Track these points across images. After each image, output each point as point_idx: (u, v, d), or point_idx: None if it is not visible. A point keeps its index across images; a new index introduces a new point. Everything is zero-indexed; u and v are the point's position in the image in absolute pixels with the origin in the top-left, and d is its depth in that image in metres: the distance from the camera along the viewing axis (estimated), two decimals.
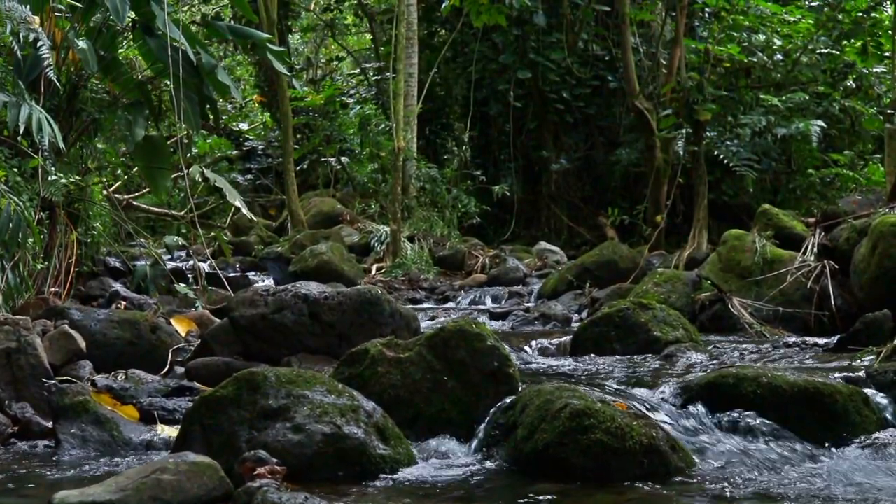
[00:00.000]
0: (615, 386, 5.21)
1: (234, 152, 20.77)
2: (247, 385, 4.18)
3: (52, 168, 7.86)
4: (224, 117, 20.64)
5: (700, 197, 12.67)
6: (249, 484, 3.64)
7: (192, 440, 4.11)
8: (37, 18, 7.31)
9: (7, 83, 7.49)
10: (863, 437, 4.52)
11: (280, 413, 4.09)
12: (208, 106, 9.38)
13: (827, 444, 4.47)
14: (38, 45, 7.28)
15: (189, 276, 10.13)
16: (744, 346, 7.08)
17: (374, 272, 13.53)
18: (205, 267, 10.80)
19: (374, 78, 20.69)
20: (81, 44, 7.96)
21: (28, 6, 7.37)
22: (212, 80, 9.12)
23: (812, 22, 14.65)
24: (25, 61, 7.73)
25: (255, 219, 14.69)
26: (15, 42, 7.31)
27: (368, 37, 23.26)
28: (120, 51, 9.76)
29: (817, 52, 14.98)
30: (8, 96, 7.06)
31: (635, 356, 6.67)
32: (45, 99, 8.07)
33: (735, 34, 14.24)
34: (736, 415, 4.57)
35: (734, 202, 15.51)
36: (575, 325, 8.73)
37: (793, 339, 7.34)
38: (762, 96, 14.36)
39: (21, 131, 7.06)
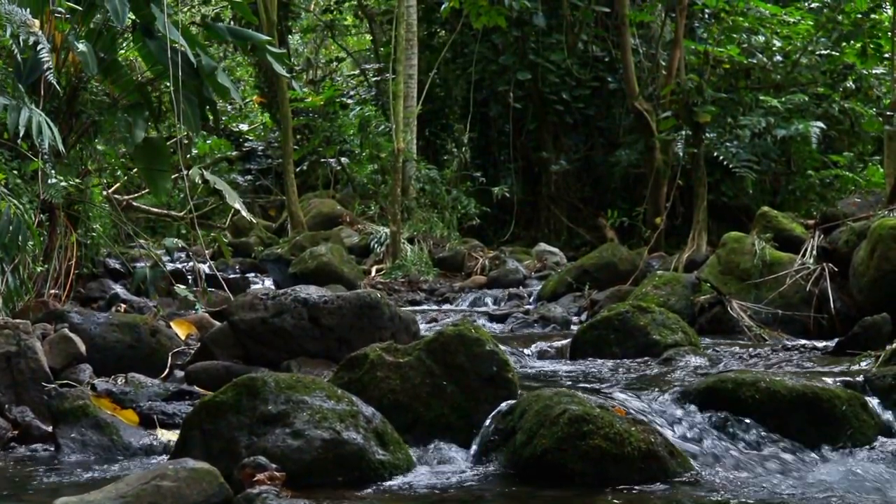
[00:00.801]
0: (614, 390, 5.22)
1: (234, 153, 20.78)
2: (246, 390, 4.18)
3: (52, 171, 7.86)
4: (224, 118, 20.64)
5: (699, 199, 12.68)
6: (249, 490, 3.65)
7: (192, 445, 4.11)
8: (36, 21, 7.32)
9: (7, 86, 7.50)
10: (861, 443, 4.53)
11: (279, 418, 4.09)
12: (208, 107, 9.40)
13: (825, 450, 4.47)
14: (38, 47, 7.28)
15: (189, 277, 10.16)
16: (742, 349, 7.08)
17: (373, 273, 13.54)
18: (204, 268, 10.82)
19: (374, 79, 20.69)
20: (81, 46, 7.98)
21: (28, 9, 7.38)
22: (211, 82, 9.14)
23: (811, 23, 14.66)
24: (25, 64, 7.73)
25: (254, 220, 14.69)
26: (15, 45, 7.32)
27: (368, 38, 23.28)
28: (120, 52, 9.77)
29: (817, 53, 14.99)
30: (8, 99, 7.07)
31: (634, 360, 6.68)
32: (44, 101, 8.07)
33: (734, 35, 14.25)
34: (734, 420, 4.57)
35: (734, 203, 15.52)
36: (574, 327, 8.74)
37: (792, 342, 7.34)
38: (762, 97, 14.36)
39: (21, 134, 7.07)
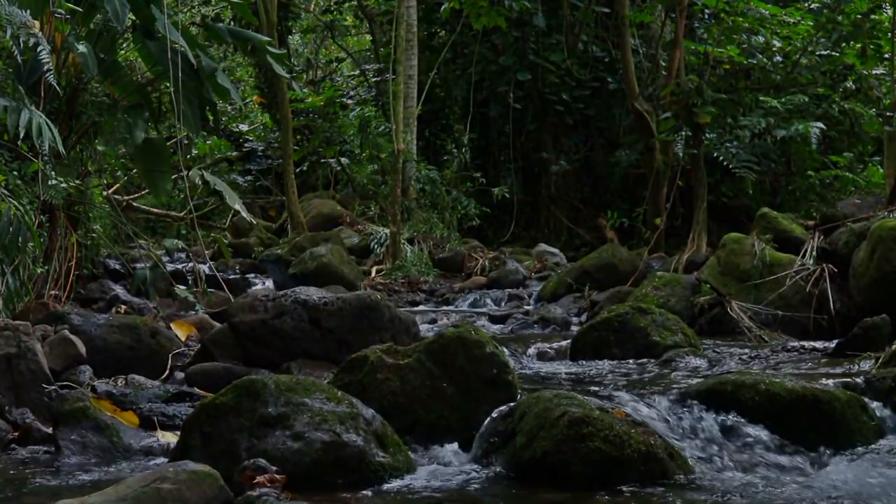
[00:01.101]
0: (614, 392, 5.22)
1: (234, 153, 20.76)
2: (246, 392, 4.19)
3: (52, 172, 7.87)
4: (224, 118, 20.63)
5: (699, 199, 12.67)
6: (249, 492, 3.66)
7: (192, 448, 4.12)
8: (36, 23, 7.32)
9: (7, 87, 7.50)
10: (861, 445, 4.54)
11: (280, 421, 4.10)
12: (208, 108, 9.40)
13: (825, 452, 4.48)
14: (38, 49, 7.29)
15: (189, 278, 10.16)
16: (742, 350, 7.09)
17: (373, 274, 13.53)
18: (204, 269, 10.82)
19: (374, 79, 20.69)
20: (81, 47, 7.98)
21: (28, 10, 7.38)
22: (211, 83, 9.14)
23: (811, 24, 14.64)
24: (25, 65, 7.74)
25: (254, 221, 14.68)
26: (15, 46, 7.32)
27: (368, 38, 23.27)
28: (120, 53, 9.77)
29: (817, 54, 14.98)
30: (8, 101, 7.07)
31: (634, 361, 6.68)
32: (44, 102, 8.08)
33: (734, 36, 14.24)
34: (734, 422, 4.58)
35: (733, 204, 15.52)
36: (574, 328, 8.74)
37: (791, 343, 7.34)
38: (762, 98, 14.35)
39: (21, 135, 7.08)
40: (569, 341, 7.38)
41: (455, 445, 4.51)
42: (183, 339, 6.91)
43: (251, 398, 4.17)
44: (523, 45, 17.53)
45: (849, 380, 5.23)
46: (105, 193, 10.64)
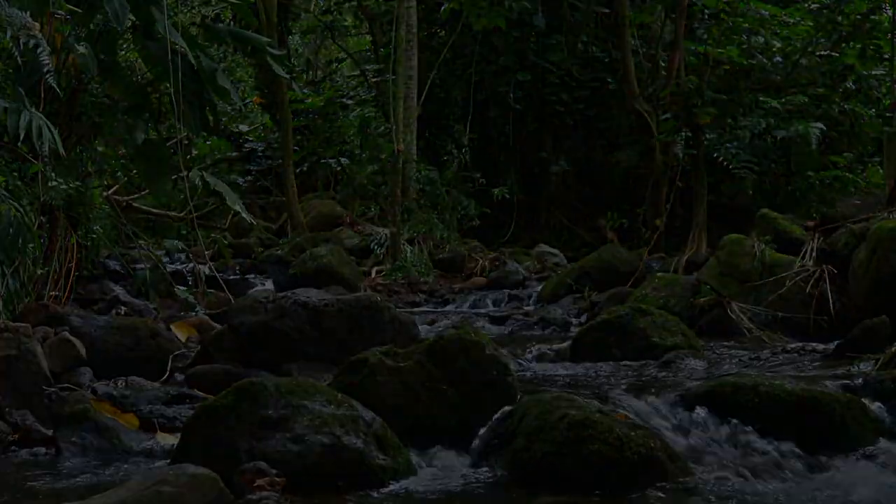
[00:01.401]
0: (614, 394, 5.22)
1: (234, 154, 20.75)
2: (246, 395, 4.19)
3: (52, 173, 7.87)
4: (224, 119, 20.62)
5: (699, 200, 12.69)
6: (249, 495, 3.66)
7: (192, 450, 4.13)
8: (37, 24, 7.32)
9: (7, 88, 7.50)
10: (860, 446, 4.54)
11: (280, 423, 4.10)
12: (208, 109, 9.41)
13: (824, 454, 4.48)
14: (38, 50, 7.29)
15: (189, 279, 10.16)
16: (742, 352, 7.09)
17: (373, 275, 13.53)
18: (204, 270, 10.82)
19: (374, 80, 20.68)
20: (81, 48, 7.99)
21: (28, 11, 7.38)
22: (211, 84, 9.14)
23: (811, 24, 14.65)
24: (25, 66, 7.74)
25: (254, 222, 14.69)
26: (15, 47, 7.32)
27: (368, 38, 23.25)
28: (120, 53, 9.78)
29: (817, 54, 14.98)
30: (8, 102, 7.08)
31: (634, 362, 6.67)
32: (44, 104, 8.08)
33: (734, 36, 14.24)
34: (734, 424, 4.58)
35: (734, 204, 15.50)
36: (574, 329, 8.74)
37: (791, 344, 7.34)
38: (762, 98, 14.36)
39: (21, 137, 7.08)
40: (569, 342, 7.37)
41: (455, 447, 4.51)
42: (183, 340, 6.91)
43: (251, 400, 4.17)
44: (523, 46, 17.52)
45: (848, 381, 5.23)
46: (105, 194, 10.64)
